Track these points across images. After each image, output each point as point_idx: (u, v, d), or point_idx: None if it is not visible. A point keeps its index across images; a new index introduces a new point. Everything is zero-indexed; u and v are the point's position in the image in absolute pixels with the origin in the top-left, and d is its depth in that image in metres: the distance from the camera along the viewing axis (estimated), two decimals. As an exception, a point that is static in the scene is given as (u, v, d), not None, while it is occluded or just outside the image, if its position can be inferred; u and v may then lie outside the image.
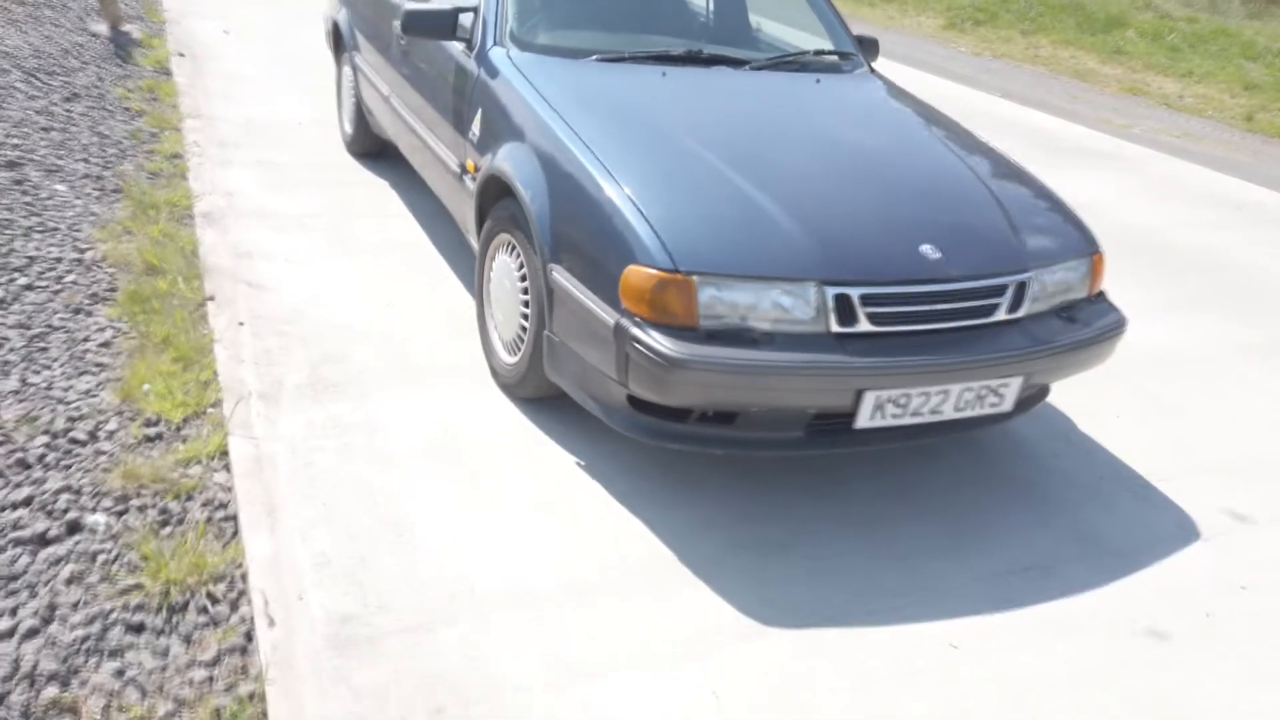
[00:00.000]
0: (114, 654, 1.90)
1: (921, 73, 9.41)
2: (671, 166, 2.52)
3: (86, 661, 1.88)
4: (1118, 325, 2.70)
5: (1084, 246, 2.73)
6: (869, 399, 2.31)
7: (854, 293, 2.30)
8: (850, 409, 2.32)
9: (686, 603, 2.20)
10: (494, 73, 2.95)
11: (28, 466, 2.36)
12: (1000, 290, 2.48)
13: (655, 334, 2.21)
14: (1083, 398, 3.33)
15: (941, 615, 2.25)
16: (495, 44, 3.04)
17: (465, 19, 3.14)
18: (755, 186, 2.45)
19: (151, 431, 2.56)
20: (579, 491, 2.53)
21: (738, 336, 2.26)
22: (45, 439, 2.46)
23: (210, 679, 1.87)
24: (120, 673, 1.86)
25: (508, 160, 2.72)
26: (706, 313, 2.24)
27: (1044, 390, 2.88)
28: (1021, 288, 2.51)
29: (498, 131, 2.85)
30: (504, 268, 2.79)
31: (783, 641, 2.12)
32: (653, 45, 3.17)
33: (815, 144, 2.86)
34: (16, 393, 2.63)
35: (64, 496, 2.28)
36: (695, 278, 2.23)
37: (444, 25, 3.12)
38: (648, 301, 2.23)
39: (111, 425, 2.56)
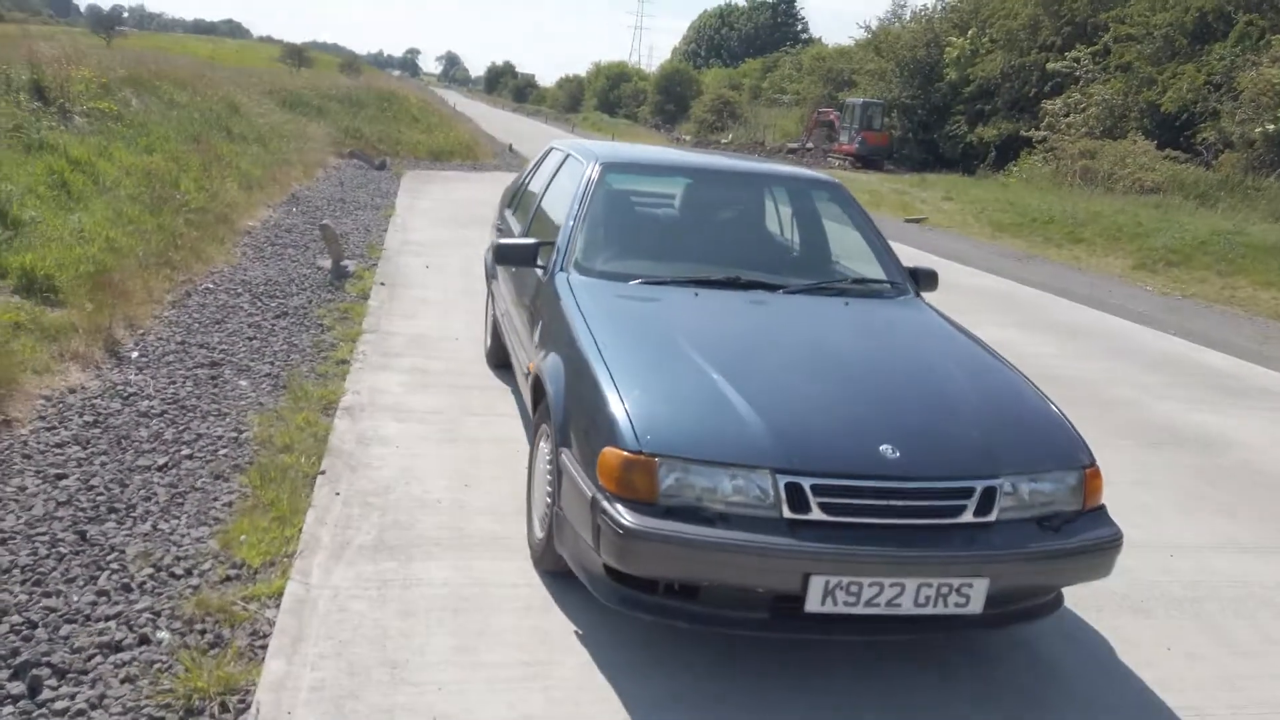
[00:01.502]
0: (132, 738, 2.30)
1: (1094, 310, 9.35)
2: (664, 368, 2.89)
3: (110, 741, 2.29)
4: (1104, 540, 2.71)
5: (1072, 460, 2.79)
6: (816, 583, 2.45)
7: (805, 482, 2.51)
8: (799, 592, 2.47)
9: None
10: (555, 293, 3.49)
11: (129, 590, 2.91)
12: (966, 493, 2.60)
13: (620, 507, 2.50)
14: (1138, 627, 3.21)
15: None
16: (561, 270, 3.61)
17: (545, 250, 3.75)
18: (733, 386, 2.75)
19: (234, 572, 3.07)
20: (568, 656, 2.76)
21: (694, 514, 2.50)
22: (151, 570, 3.02)
23: (195, 767, 2.22)
24: (130, 752, 2.25)
25: (546, 361, 3.19)
26: (666, 490, 2.52)
27: (1056, 600, 2.86)
28: (990, 493, 2.61)
29: (548, 339, 3.35)
30: (542, 454, 3.19)
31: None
32: (699, 272, 3.62)
33: (809, 353, 3.14)
34: (146, 535, 3.25)
35: (145, 615, 2.79)
36: (658, 459, 2.53)
37: (527, 255, 3.75)
38: (616, 479, 2.55)
39: (206, 565, 3.10)
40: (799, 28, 68.76)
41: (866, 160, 29.10)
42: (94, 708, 2.39)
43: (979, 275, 11.14)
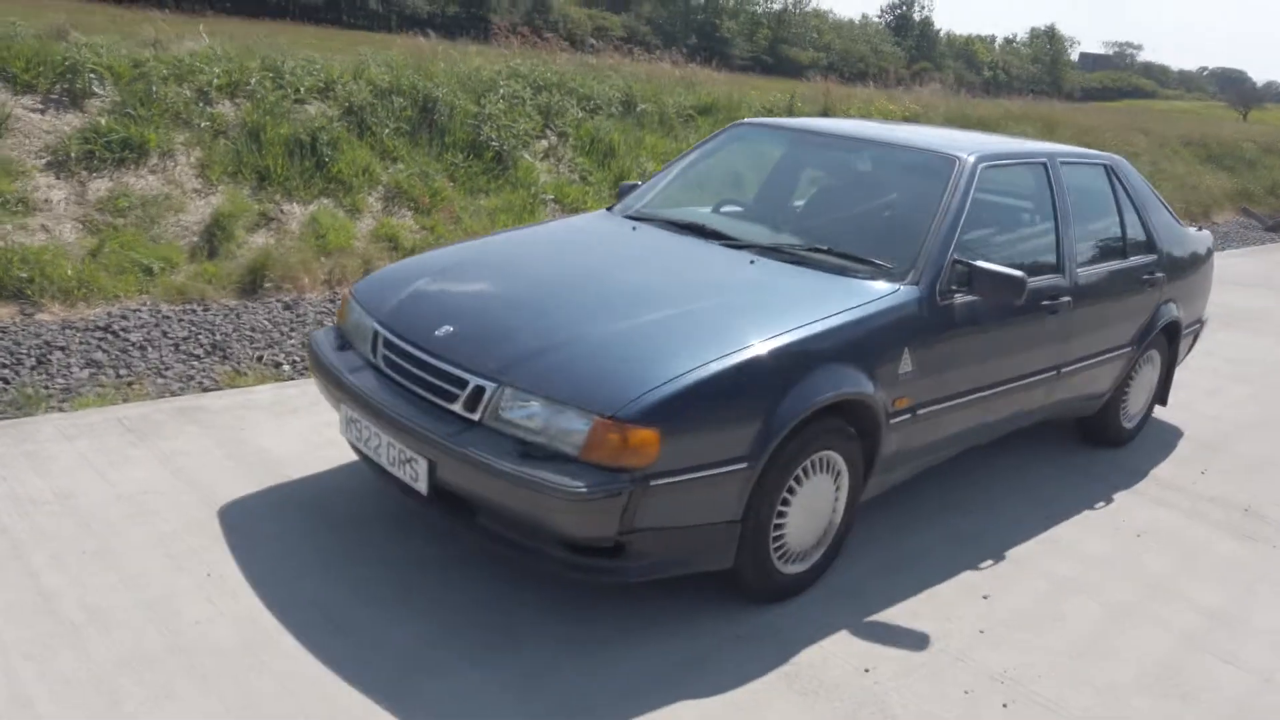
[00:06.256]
0: None
1: None
2: (457, 258, 3.63)
3: None
4: (539, 482, 2.54)
5: (592, 406, 2.60)
6: (344, 410, 3.09)
7: (381, 335, 3.09)
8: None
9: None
10: None
11: (289, 348, 4.91)
12: (461, 383, 2.80)
13: (321, 329, 3.51)
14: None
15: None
16: (610, 210, 4.28)
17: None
18: (455, 275, 3.41)
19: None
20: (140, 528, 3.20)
21: (344, 341, 3.34)
22: (299, 341, 4.98)
23: None
24: None
25: None
26: (346, 321, 3.39)
27: (617, 547, 2.68)
28: (479, 392, 2.75)
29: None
30: None
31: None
32: (689, 219, 3.92)
33: (577, 276, 3.46)
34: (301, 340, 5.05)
35: (284, 355, 4.92)
36: (350, 299, 3.41)
37: (622, 192, 4.36)
38: (339, 312, 3.48)
39: (296, 356, 5.00)
40: None
41: None
42: (190, 378, 4.47)
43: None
